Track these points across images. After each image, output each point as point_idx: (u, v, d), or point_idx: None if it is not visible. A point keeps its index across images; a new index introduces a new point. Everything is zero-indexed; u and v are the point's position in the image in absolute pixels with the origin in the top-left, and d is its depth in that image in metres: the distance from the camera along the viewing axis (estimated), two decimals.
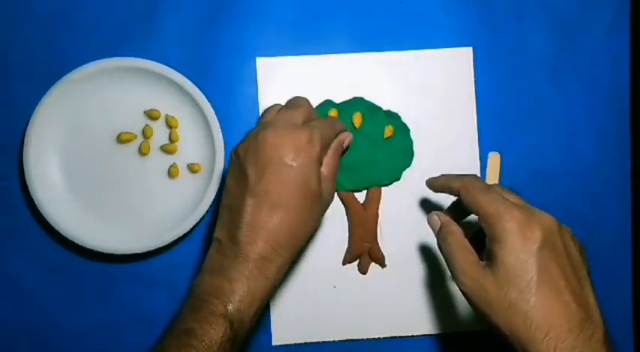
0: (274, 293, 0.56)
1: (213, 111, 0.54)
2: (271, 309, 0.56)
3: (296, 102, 0.47)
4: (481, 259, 0.41)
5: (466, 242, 0.43)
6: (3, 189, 0.57)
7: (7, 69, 0.56)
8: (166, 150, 0.56)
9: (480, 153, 0.57)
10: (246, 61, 0.57)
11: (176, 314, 0.42)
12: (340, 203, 0.57)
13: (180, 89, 0.54)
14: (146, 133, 0.55)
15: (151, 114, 0.55)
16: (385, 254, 0.57)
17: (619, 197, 0.58)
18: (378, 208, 0.56)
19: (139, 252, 0.54)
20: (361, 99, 0.56)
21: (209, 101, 0.54)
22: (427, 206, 0.57)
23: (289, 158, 0.42)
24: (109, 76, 0.54)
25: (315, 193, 0.43)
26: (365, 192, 0.57)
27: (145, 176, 0.56)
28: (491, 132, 0.57)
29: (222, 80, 0.56)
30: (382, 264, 0.57)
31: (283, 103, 0.48)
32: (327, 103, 0.56)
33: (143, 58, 0.54)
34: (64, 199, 0.55)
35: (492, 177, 0.57)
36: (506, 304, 0.38)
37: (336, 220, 0.57)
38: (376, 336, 0.57)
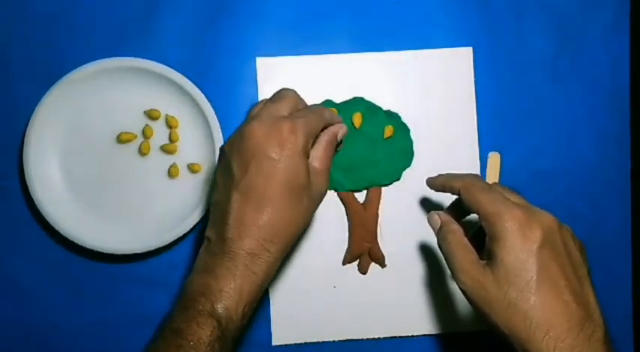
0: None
1: (213, 111, 0.54)
2: (271, 309, 0.56)
3: (280, 95, 0.46)
4: (481, 258, 0.41)
5: (466, 241, 0.43)
6: (3, 189, 0.56)
7: (7, 69, 0.56)
8: (166, 150, 0.56)
9: (480, 153, 0.57)
10: (246, 61, 0.57)
11: (167, 314, 0.42)
12: (340, 203, 0.57)
13: (180, 89, 0.54)
14: (146, 133, 0.55)
15: (151, 114, 0.55)
16: (385, 254, 0.57)
17: (619, 197, 0.58)
18: (378, 208, 0.56)
19: (139, 252, 0.54)
20: (361, 99, 0.56)
21: (209, 101, 0.54)
22: (427, 206, 0.57)
23: (273, 151, 0.41)
24: (109, 76, 0.54)
25: (302, 186, 0.42)
26: (365, 192, 0.57)
27: (145, 176, 0.56)
28: (491, 132, 0.57)
29: (222, 80, 0.56)
30: (382, 264, 0.57)
31: None
32: (327, 103, 0.56)
33: (143, 58, 0.54)
34: (64, 199, 0.55)
35: (492, 177, 0.57)
36: (506, 303, 0.38)
37: (336, 220, 0.57)
38: (376, 336, 0.57)
